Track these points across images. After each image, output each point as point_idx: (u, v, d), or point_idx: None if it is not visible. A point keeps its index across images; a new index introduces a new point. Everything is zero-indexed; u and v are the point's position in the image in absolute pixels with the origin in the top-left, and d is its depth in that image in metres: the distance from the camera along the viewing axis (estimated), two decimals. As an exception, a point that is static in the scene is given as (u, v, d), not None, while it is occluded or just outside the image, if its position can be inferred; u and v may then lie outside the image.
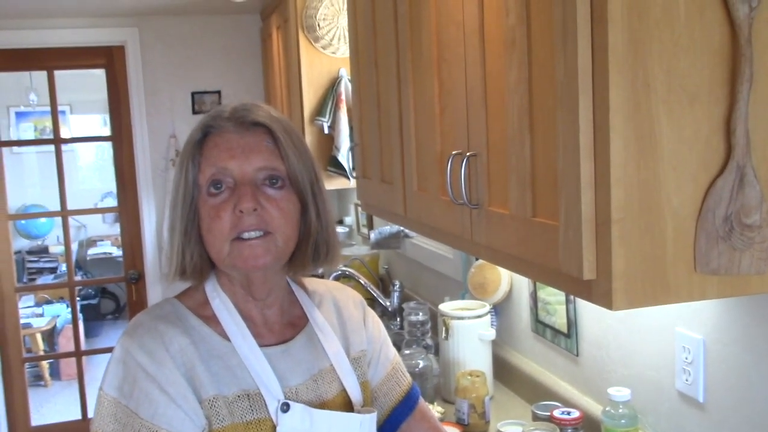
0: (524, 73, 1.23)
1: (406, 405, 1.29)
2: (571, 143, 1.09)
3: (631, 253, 1.06)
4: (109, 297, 7.93)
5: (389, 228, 3.20)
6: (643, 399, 1.66)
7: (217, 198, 1.10)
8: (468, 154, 1.44)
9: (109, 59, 4.27)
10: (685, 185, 1.07)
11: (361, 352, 1.26)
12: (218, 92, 4.34)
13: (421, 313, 2.50)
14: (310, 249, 1.19)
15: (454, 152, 1.50)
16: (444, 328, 2.22)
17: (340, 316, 1.27)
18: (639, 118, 1.04)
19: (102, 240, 8.11)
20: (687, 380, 1.51)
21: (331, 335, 1.22)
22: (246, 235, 1.09)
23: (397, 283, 3.11)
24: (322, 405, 1.16)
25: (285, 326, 1.20)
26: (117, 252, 7.57)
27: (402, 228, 3.16)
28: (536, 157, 1.22)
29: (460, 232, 1.54)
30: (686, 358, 1.50)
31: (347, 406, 1.20)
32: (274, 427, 1.09)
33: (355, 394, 1.20)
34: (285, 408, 1.09)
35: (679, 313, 1.53)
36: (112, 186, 7.52)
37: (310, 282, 1.31)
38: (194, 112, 4.32)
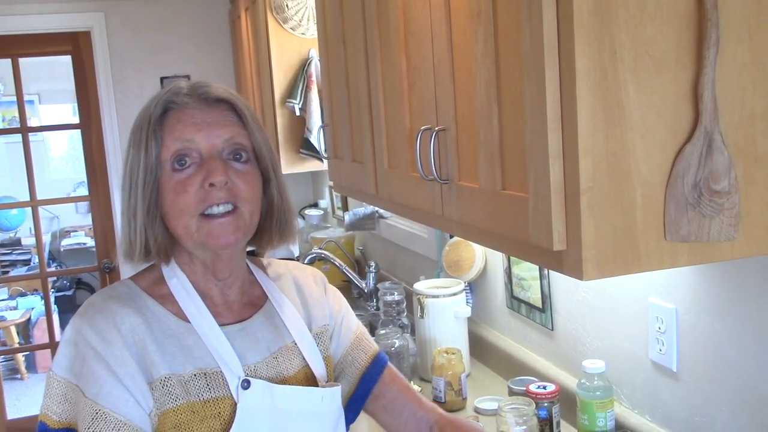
0: (490, 44, 1.21)
1: (375, 370, 1.29)
2: (538, 114, 1.08)
3: (600, 223, 1.05)
4: (84, 288, 7.84)
5: (364, 209, 3.18)
6: (617, 370, 1.66)
7: (183, 173, 1.08)
8: (437, 129, 1.43)
9: (75, 46, 4.20)
10: (653, 153, 1.06)
11: (324, 326, 1.26)
12: (187, 77, 4.28)
13: (396, 293, 2.49)
14: (275, 223, 1.18)
15: (423, 128, 1.48)
16: (419, 307, 2.21)
17: (301, 293, 1.27)
18: (606, 86, 1.03)
19: (75, 231, 8.02)
20: (660, 350, 1.51)
21: (292, 312, 1.22)
22: (215, 210, 1.08)
23: (373, 264, 3.10)
24: (283, 381, 1.15)
25: (244, 305, 1.19)
26: (91, 242, 7.48)
27: (376, 209, 3.15)
28: (504, 129, 1.21)
29: (431, 208, 1.52)
30: (659, 328, 1.51)
31: (310, 381, 1.19)
32: (233, 405, 1.08)
33: (319, 369, 1.20)
34: (246, 385, 1.08)
35: (652, 283, 1.53)
36: (84, 176, 7.45)
37: (270, 262, 1.30)
38: (164, 97, 4.26)
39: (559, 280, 1.91)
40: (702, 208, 1.08)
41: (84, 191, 7.58)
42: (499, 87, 1.21)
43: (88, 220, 7.85)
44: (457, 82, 1.36)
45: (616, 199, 1.06)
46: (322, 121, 3.22)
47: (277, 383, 1.12)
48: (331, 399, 1.16)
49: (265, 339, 1.16)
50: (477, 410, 1.99)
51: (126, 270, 4.35)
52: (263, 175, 1.16)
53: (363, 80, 1.89)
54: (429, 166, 1.44)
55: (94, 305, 1.10)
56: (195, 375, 1.08)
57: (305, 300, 1.27)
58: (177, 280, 1.14)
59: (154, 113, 1.09)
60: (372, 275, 3.06)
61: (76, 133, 7.95)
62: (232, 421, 1.06)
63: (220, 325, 1.13)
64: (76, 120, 4.42)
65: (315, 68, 3.20)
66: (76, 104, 4.37)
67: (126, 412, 1.02)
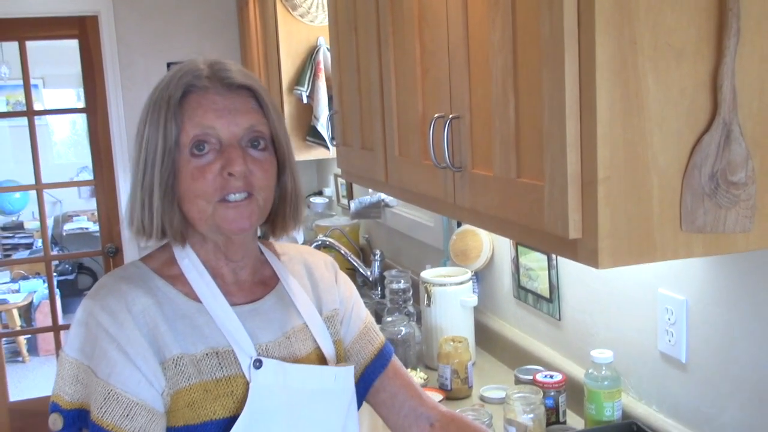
0: (508, 32, 1.21)
1: (379, 363, 1.29)
2: (556, 103, 1.08)
3: (617, 212, 1.06)
4: (86, 272, 7.86)
5: (369, 198, 3.18)
6: (625, 361, 1.67)
7: (202, 159, 1.08)
8: (451, 116, 1.43)
9: (82, 30, 4.19)
10: (671, 143, 1.06)
11: (334, 311, 1.26)
12: (194, 62, 4.27)
13: (402, 281, 2.50)
14: (290, 209, 1.19)
15: (436, 115, 1.48)
16: (426, 295, 2.21)
17: (312, 277, 1.27)
18: (625, 76, 1.03)
19: (78, 215, 8.02)
20: (670, 341, 1.52)
21: (302, 295, 1.22)
22: (231, 197, 1.08)
23: (378, 252, 3.11)
24: (295, 361, 1.15)
25: (255, 285, 1.20)
26: (93, 227, 7.49)
27: (382, 197, 3.15)
28: (520, 117, 1.21)
29: (442, 196, 1.53)
30: (669, 319, 1.51)
31: (321, 363, 1.19)
32: (246, 384, 1.08)
33: (329, 351, 1.20)
34: (258, 364, 1.09)
35: (662, 274, 1.54)
36: (87, 161, 7.43)
37: (281, 246, 1.30)
38: (170, 82, 4.25)
39: (567, 271, 1.91)
40: (718, 199, 1.08)
41: (87, 176, 7.60)
42: (516, 75, 1.21)
43: (90, 205, 7.88)
44: (473, 69, 1.36)
45: (632, 188, 1.06)
46: (330, 109, 3.22)
47: (289, 363, 1.13)
48: (344, 378, 1.17)
49: (276, 319, 1.17)
50: (483, 398, 2.00)
51: (130, 254, 4.35)
52: (279, 163, 1.16)
53: (375, 67, 1.89)
54: (442, 153, 1.44)
55: (105, 286, 1.10)
56: (207, 354, 1.08)
57: (315, 284, 1.27)
58: (189, 261, 1.14)
59: (174, 95, 1.09)
60: (377, 263, 3.07)
61: (79, 118, 7.99)
62: (245, 400, 1.07)
63: (231, 305, 1.13)
64: (79, 104, 4.42)
65: (323, 56, 3.20)
66: (79, 89, 4.37)
67: (138, 392, 1.03)
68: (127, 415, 1.02)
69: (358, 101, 2.08)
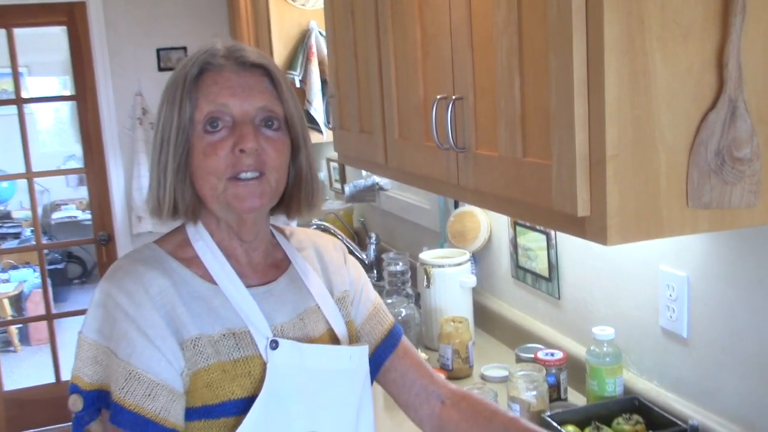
0: (513, 13, 1.22)
1: (389, 343, 1.30)
2: (564, 82, 1.09)
3: (625, 190, 1.07)
4: (75, 261, 7.83)
5: (364, 181, 3.19)
6: (626, 337, 1.69)
7: (215, 136, 1.09)
8: (454, 97, 1.44)
9: (70, 16, 4.16)
10: (678, 120, 1.08)
11: (344, 292, 1.27)
12: (184, 48, 4.26)
13: (400, 263, 2.52)
14: (304, 191, 1.20)
15: (438, 96, 1.49)
16: (425, 277, 2.23)
17: (322, 260, 1.28)
18: (633, 54, 1.04)
19: (66, 204, 7.98)
20: (671, 317, 1.54)
21: (314, 277, 1.23)
22: (243, 175, 1.09)
23: (373, 235, 3.12)
24: (310, 342, 1.16)
25: (268, 267, 1.21)
26: (82, 216, 7.46)
27: (377, 181, 3.16)
28: (526, 97, 1.23)
29: (445, 177, 1.54)
30: (670, 296, 1.53)
31: (335, 343, 1.21)
32: (263, 364, 1.09)
33: (342, 332, 1.22)
34: (274, 345, 1.10)
35: (663, 251, 1.56)
36: (74, 149, 7.39)
37: (290, 229, 1.31)
38: (160, 69, 4.24)
39: (566, 250, 1.93)
40: (724, 175, 1.10)
41: (73, 164, 7.56)
42: (522, 55, 1.22)
43: (79, 194, 7.84)
44: (476, 50, 1.37)
45: (640, 166, 1.07)
46: (323, 93, 3.22)
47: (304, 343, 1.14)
48: (359, 358, 1.18)
49: (290, 301, 1.18)
50: (483, 377, 2.02)
51: (122, 242, 4.35)
52: (293, 144, 1.17)
53: (373, 50, 1.89)
54: (445, 134, 1.45)
55: (122, 268, 1.11)
56: (224, 335, 1.09)
57: (325, 266, 1.28)
58: (203, 242, 1.15)
59: (190, 73, 1.10)
60: (373, 246, 3.08)
61: (63, 107, 7.93)
62: (263, 380, 1.08)
63: (246, 287, 1.14)
64: (64, 92, 4.40)
65: (315, 40, 3.19)
66: (65, 77, 4.35)
67: (159, 372, 1.04)
68: (149, 395, 1.03)
69: (356, 85, 2.08)
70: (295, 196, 1.20)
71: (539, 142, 1.20)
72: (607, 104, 1.04)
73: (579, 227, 1.14)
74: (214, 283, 1.13)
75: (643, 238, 1.11)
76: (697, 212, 1.11)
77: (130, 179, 4.29)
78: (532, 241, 2.07)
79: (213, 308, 1.11)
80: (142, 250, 1.16)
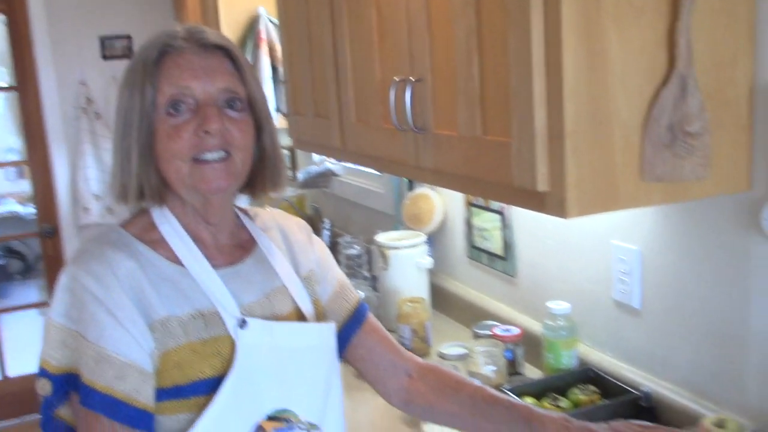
0: (471, -6, 1.25)
1: (356, 320, 1.32)
2: (523, 61, 1.12)
3: (582, 164, 1.11)
4: (15, 256, 7.63)
5: (317, 167, 3.20)
6: (581, 311, 1.75)
7: (178, 118, 1.09)
8: (412, 79, 1.46)
9: (9, 5, 4.05)
10: (632, 97, 1.12)
11: (310, 271, 1.29)
12: (128, 36, 4.19)
13: (356, 247, 2.54)
14: (269, 171, 1.21)
15: (396, 79, 1.51)
16: (382, 259, 2.26)
17: (287, 240, 1.30)
18: (589, 33, 1.08)
19: (5, 198, 7.76)
20: (623, 290, 1.60)
21: (279, 257, 1.24)
22: (208, 156, 1.09)
23: (327, 221, 3.13)
24: (278, 320, 1.18)
25: (235, 248, 1.21)
26: (23, 210, 7.27)
27: (330, 167, 3.17)
28: (485, 77, 1.26)
29: (404, 158, 1.56)
30: (623, 269, 1.59)
31: (302, 322, 1.23)
32: (232, 344, 1.10)
33: (309, 310, 1.23)
34: (243, 324, 1.11)
35: (615, 225, 1.61)
36: (11, 141, 7.18)
37: (254, 210, 1.32)
38: (104, 57, 4.16)
39: (521, 229, 1.98)
40: (676, 149, 1.15)
41: (13, 157, 7.35)
42: (480, 35, 1.25)
43: (19, 187, 7.63)
44: (434, 32, 1.39)
45: (597, 141, 1.12)
46: (273, 80, 3.22)
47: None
48: (327, 334, 1.20)
49: (257, 281, 1.19)
50: (441, 355, 2.05)
51: (68, 235, 4.27)
52: (257, 124, 1.17)
53: (328, 34, 1.90)
54: (404, 116, 1.48)
55: (88, 252, 1.10)
56: (193, 316, 1.10)
57: (291, 246, 1.29)
58: (169, 225, 1.15)
59: (150, 56, 1.10)
60: (327, 232, 3.10)
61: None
62: (232, 359, 1.09)
63: (213, 268, 1.15)
64: (1, 84, 4.28)
65: (265, 26, 3.18)
66: (1, 68, 4.23)
67: (128, 353, 1.04)
68: (119, 376, 1.03)
69: (310, 69, 2.09)
70: (259, 176, 1.21)
71: (499, 121, 1.23)
72: (564, 82, 1.08)
73: (538, 202, 1.18)
74: (181, 265, 1.13)
75: (600, 210, 1.15)
76: (651, 185, 1.16)
77: (75, 170, 4.21)
78: (487, 221, 2.11)
79: (181, 290, 1.11)
80: (108, 233, 1.15)
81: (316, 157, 3.48)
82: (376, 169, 1.86)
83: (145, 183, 1.12)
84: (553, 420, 1.09)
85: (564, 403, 1.58)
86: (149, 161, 1.11)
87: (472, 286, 2.27)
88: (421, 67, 1.44)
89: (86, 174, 4.21)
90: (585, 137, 1.11)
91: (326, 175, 3.19)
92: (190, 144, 1.09)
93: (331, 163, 3.21)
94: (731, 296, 1.35)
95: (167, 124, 1.09)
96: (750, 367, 1.34)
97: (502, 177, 1.23)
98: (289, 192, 3.59)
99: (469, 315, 2.21)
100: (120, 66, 4.17)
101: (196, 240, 1.16)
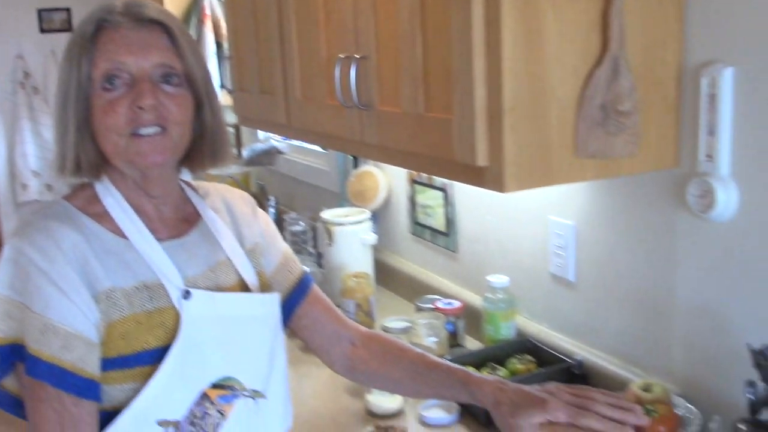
0: (415, -26, 1.28)
1: (300, 290, 1.35)
2: (464, 40, 1.16)
3: (520, 141, 1.16)
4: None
5: (261, 145, 3.20)
6: (519, 284, 1.81)
7: (113, 93, 1.10)
8: (357, 56, 1.49)
9: (-59, -27, 3.93)
10: (567, 77, 1.18)
11: (255, 244, 1.31)
12: (67, 9, 4.11)
13: (302, 223, 2.56)
14: (207, 146, 1.22)
15: (341, 56, 1.54)
16: (327, 235, 2.29)
17: (231, 213, 1.31)
18: (527, 14, 1.12)
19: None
20: (559, 263, 1.66)
21: (224, 230, 1.26)
22: (143, 131, 1.10)
23: (272, 198, 3.14)
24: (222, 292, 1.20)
25: (179, 221, 1.23)
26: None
27: (275, 144, 3.18)
28: (428, 56, 1.29)
29: (349, 134, 1.59)
30: (559, 243, 1.65)
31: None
32: (176, 315, 1.12)
33: (253, 282, 1.25)
34: (187, 295, 1.13)
35: (551, 202, 1.67)
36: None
37: (199, 184, 1.33)
38: (42, 30, 4.07)
39: (463, 205, 2.03)
40: (608, 127, 1.20)
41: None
42: (424, 15, 1.28)
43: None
44: (379, 11, 1.42)
45: (534, 118, 1.17)
46: (218, 57, 3.20)
47: None
48: (270, 304, 1.23)
49: (201, 254, 1.21)
50: (385, 329, 2.10)
51: (5, 212, 4.19)
52: (196, 99, 1.18)
53: (273, 11, 1.91)
54: (349, 93, 1.50)
55: (32, 224, 1.11)
56: (137, 288, 1.11)
57: (235, 219, 1.31)
58: (112, 198, 1.16)
59: (87, 31, 1.10)
60: (272, 210, 3.11)
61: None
62: (177, 330, 1.11)
63: (157, 240, 1.16)
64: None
65: (209, 2, 3.16)
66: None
67: (74, 324, 1.05)
68: (65, 346, 1.04)
69: (256, 46, 2.10)
70: (198, 151, 1.22)
71: (441, 98, 1.27)
72: (504, 61, 1.13)
73: (478, 177, 1.23)
74: (126, 237, 1.14)
75: (536, 185, 1.21)
76: (584, 161, 1.22)
77: (13, 146, 4.12)
78: (430, 198, 2.16)
79: (125, 262, 1.12)
80: (52, 206, 1.16)
81: (261, 134, 3.48)
82: (321, 146, 1.88)
83: (82, 156, 1.12)
84: (489, 383, 1.15)
85: (502, 372, 1.64)
86: (86, 135, 1.12)
87: (415, 261, 2.32)
88: (366, 45, 1.47)
89: (24, 150, 4.14)
90: (522, 115, 1.16)
91: (271, 153, 3.20)
92: (126, 119, 1.10)
93: (276, 141, 3.22)
94: (659, 268, 1.43)
95: (103, 99, 1.10)
96: (675, 336, 1.42)
97: (444, 153, 1.27)
98: (234, 169, 3.58)
99: (413, 290, 2.26)
100: (59, 39, 4.10)
101: (140, 213, 1.17)
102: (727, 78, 1.22)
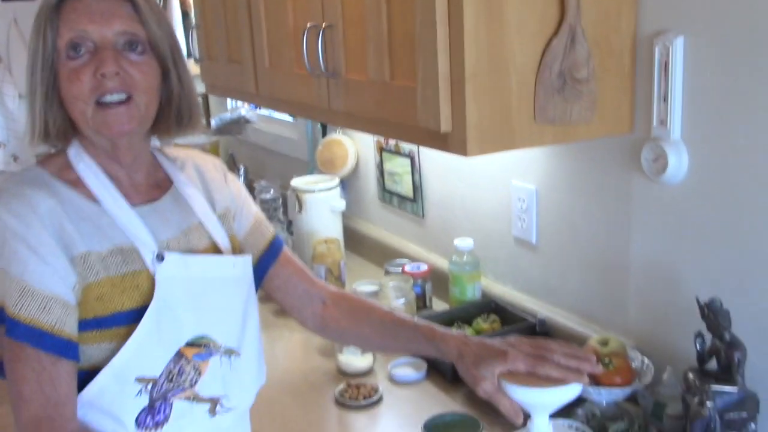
0: (379, -55, 1.31)
1: (272, 252, 1.39)
2: (427, 10, 1.20)
3: (482, 107, 1.21)
4: None
5: (230, 114, 3.22)
6: (484, 247, 1.87)
7: (77, 61, 1.12)
8: (324, 25, 1.52)
9: None
10: (526, 45, 1.22)
11: (226, 209, 1.35)
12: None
13: (272, 191, 2.60)
14: (173, 113, 1.24)
15: (309, 25, 1.57)
16: (297, 202, 2.33)
17: (203, 178, 1.34)
18: (487, -16, 1.17)
19: None
20: (522, 226, 1.72)
21: (196, 195, 1.29)
22: (108, 98, 1.13)
23: (242, 167, 3.17)
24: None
25: (151, 187, 1.26)
26: None
27: (243, 114, 3.19)
28: (393, 25, 1.33)
29: (316, 102, 1.63)
30: (521, 207, 1.71)
31: None
32: (150, 277, 1.16)
33: (225, 245, 1.29)
34: (160, 258, 1.17)
35: (514, 167, 1.73)
36: None
37: (171, 150, 1.36)
38: (4, -1, 4.01)
39: (429, 172, 2.08)
40: (565, 94, 1.26)
41: None
42: (388, -16, 1.32)
43: None
44: (345, -20, 1.45)
45: (495, 85, 1.22)
46: (184, 26, 3.19)
47: None
48: (242, 266, 1.27)
49: (174, 218, 1.24)
50: (355, 292, 2.16)
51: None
52: (162, 67, 1.20)
53: (241, -19, 1.93)
54: (316, 61, 1.54)
55: (8, 191, 1.13)
56: (111, 252, 1.15)
57: (207, 185, 1.34)
58: (84, 165, 1.18)
59: (51, 1, 1.13)
60: (241, 178, 3.13)
61: None
62: (151, 292, 1.15)
63: (130, 206, 1.19)
64: None
65: (175, -30, 3.15)
66: None
67: (51, 287, 1.09)
68: (43, 309, 1.08)
69: (223, 15, 2.11)
70: (166, 118, 1.25)
71: (405, 66, 1.31)
72: (465, 30, 1.17)
73: (442, 142, 1.28)
74: (99, 203, 1.18)
75: (498, 149, 1.26)
76: (544, 127, 1.27)
77: (-22, 116, 4.07)
78: (398, 165, 2.20)
79: (100, 227, 1.16)
80: (25, 173, 1.18)
81: (229, 104, 3.49)
82: (290, 114, 1.91)
83: (50, 123, 1.15)
84: (453, 337, 1.20)
85: (468, 331, 1.71)
86: (54, 102, 1.14)
87: (384, 227, 2.37)
88: (332, 14, 1.50)
89: (-11, 120, 4.09)
90: (484, 82, 1.20)
91: (239, 122, 3.21)
92: (90, 86, 1.12)
93: (244, 111, 3.24)
94: (615, 230, 1.49)
95: (67, 68, 1.13)
96: (630, 293, 1.49)
97: (409, 119, 1.31)
98: (203, 139, 3.59)
99: (381, 255, 2.31)
100: (21, 8, 4.04)
101: (112, 179, 1.20)
102: (678, 46, 1.27)
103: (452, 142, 1.25)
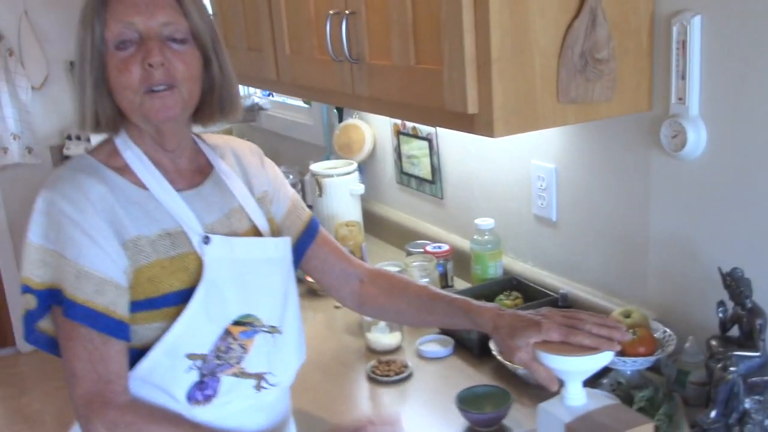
0: (403, -68, 1.35)
1: (309, 233, 1.45)
2: (453, -5, 1.24)
3: (507, 88, 1.25)
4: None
5: (243, 101, 3.26)
6: (504, 226, 1.92)
7: (125, 52, 1.17)
8: (347, 12, 1.56)
9: None
10: (549, 27, 1.26)
11: (264, 192, 1.40)
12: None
13: (291, 176, 2.64)
14: (216, 101, 1.29)
15: (332, 12, 1.61)
16: (317, 187, 2.38)
17: (241, 164, 1.40)
18: (511, -32, 1.21)
19: None
20: (542, 204, 1.77)
21: (235, 179, 1.35)
22: (155, 88, 1.18)
23: (257, 154, 3.21)
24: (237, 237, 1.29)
25: (194, 172, 1.31)
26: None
27: (256, 101, 3.24)
28: (417, 9, 1.37)
29: (340, 87, 1.67)
30: (541, 186, 1.76)
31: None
32: (197, 259, 1.22)
33: (264, 228, 1.35)
34: (207, 240, 1.22)
35: (533, 146, 1.77)
36: None
37: (209, 137, 1.41)
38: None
39: (447, 154, 2.13)
40: (587, 74, 1.30)
41: None
42: (412, -29, 1.36)
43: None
44: (367, -33, 1.49)
45: (519, 67, 1.26)
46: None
47: None
48: (283, 247, 1.32)
49: (216, 202, 1.30)
50: (377, 275, 2.21)
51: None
52: (204, 56, 1.25)
53: (259, -30, 1.97)
54: (340, 47, 1.58)
55: (62, 178, 1.19)
56: (160, 236, 1.20)
57: (245, 169, 1.40)
58: (131, 152, 1.24)
59: None
60: (257, 165, 3.18)
61: None
62: (198, 273, 1.20)
63: (176, 191, 1.25)
64: None
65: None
66: None
67: (105, 270, 1.14)
68: (98, 291, 1.13)
69: (241, 4, 2.15)
70: (207, 105, 1.29)
71: (430, 50, 1.35)
72: (491, 13, 1.21)
73: (468, 124, 1.32)
74: (146, 189, 1.23)
75: (523, 130, 1.30)
76: (566, 106, 1.31)
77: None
78: (415, 148, 2.25)
79: (148, 211, 1.21)
80: (78, 160, 1.24)
81: (242, 91, 3.52)
82: (312, 100, 1.94)
83: (100, 112, 1.20)
84: (488, 309, 1.25)
85: (490, 308, 1.75)
86: (103, 93, 1.19)
87: (402, 209, 2.42)
88: (355, 1, 1.54)
89: (3, 113, 4.13)
90: (509, 64, 1.25)
91: (253, 109, 3.26)
92: (139, 76, 1.17)
93: (257, 98, 3.28)
94: (634, 205, 1.54)
95: (116, 59, 1.18)
96: (650, 267, 1.54)
97: (435, 102, 1.36)
98: (215, 127, 3.63)
99: (401, 237, 2.36)
100: (31, 1, 4.08)
101: (157, 165, 1.25)
102: (695, 25, 1.31)
103: (479, 123, 1.29)
